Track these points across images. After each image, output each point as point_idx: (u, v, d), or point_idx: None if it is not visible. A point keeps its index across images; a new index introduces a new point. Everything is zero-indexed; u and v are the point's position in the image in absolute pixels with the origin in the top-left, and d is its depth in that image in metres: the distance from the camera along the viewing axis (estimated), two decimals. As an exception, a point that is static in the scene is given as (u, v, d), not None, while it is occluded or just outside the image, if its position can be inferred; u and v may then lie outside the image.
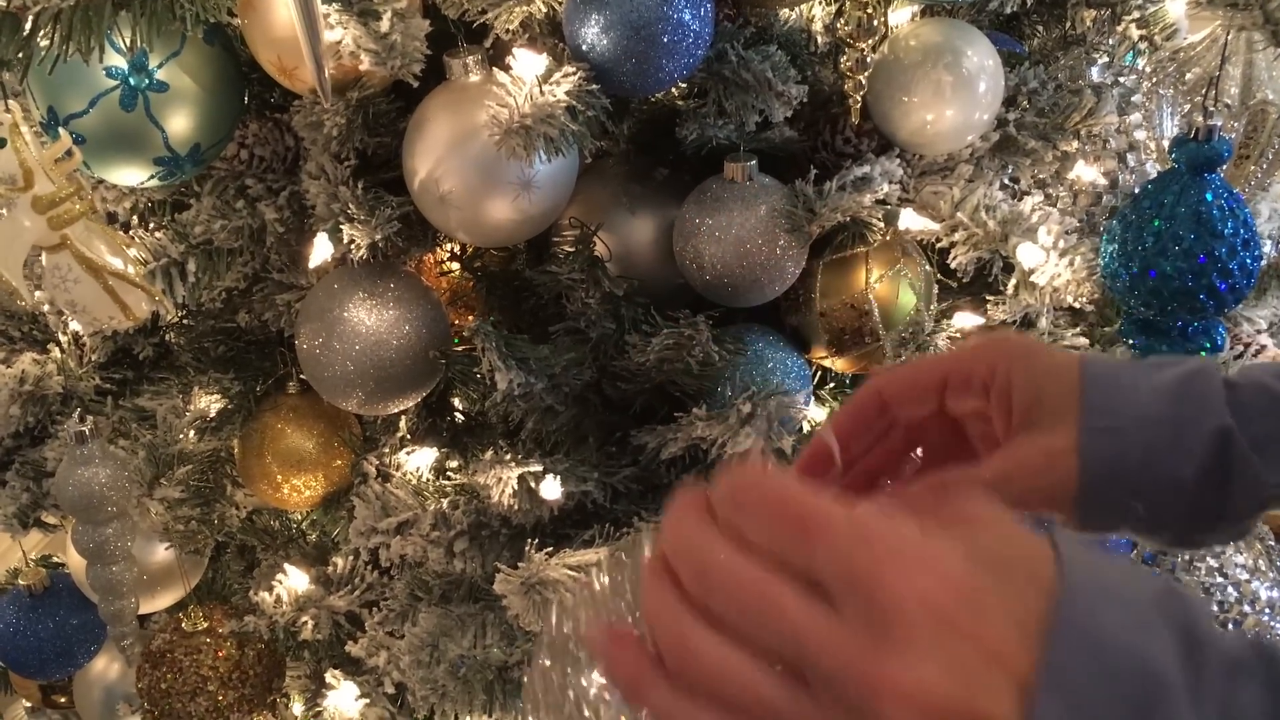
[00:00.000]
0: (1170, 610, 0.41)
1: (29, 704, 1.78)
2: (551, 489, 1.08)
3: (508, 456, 1.10)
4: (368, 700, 1.26)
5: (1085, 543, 0.44)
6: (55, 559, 1.69)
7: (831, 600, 0.40)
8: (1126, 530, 0.63)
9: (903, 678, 0.38)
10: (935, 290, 1.20)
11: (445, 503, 1.15)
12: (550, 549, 1.07)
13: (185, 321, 1.34)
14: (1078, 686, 0.38)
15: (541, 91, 0.96)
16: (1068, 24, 1.31)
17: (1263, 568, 1.44)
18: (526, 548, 1.07)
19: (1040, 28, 1.34)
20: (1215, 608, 1.42)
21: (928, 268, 1.19)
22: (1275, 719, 0.40)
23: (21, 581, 1.52)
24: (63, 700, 1.77)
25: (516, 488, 1.08)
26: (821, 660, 0.40)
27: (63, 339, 1.33)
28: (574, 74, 0.97)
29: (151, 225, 1.24)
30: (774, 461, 0.47)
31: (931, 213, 1.13)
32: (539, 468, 1.08)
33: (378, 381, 1.13)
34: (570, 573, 1.04)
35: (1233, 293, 1.03)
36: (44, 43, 0.87)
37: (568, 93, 0.96)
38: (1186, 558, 1.43)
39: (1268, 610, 1.44)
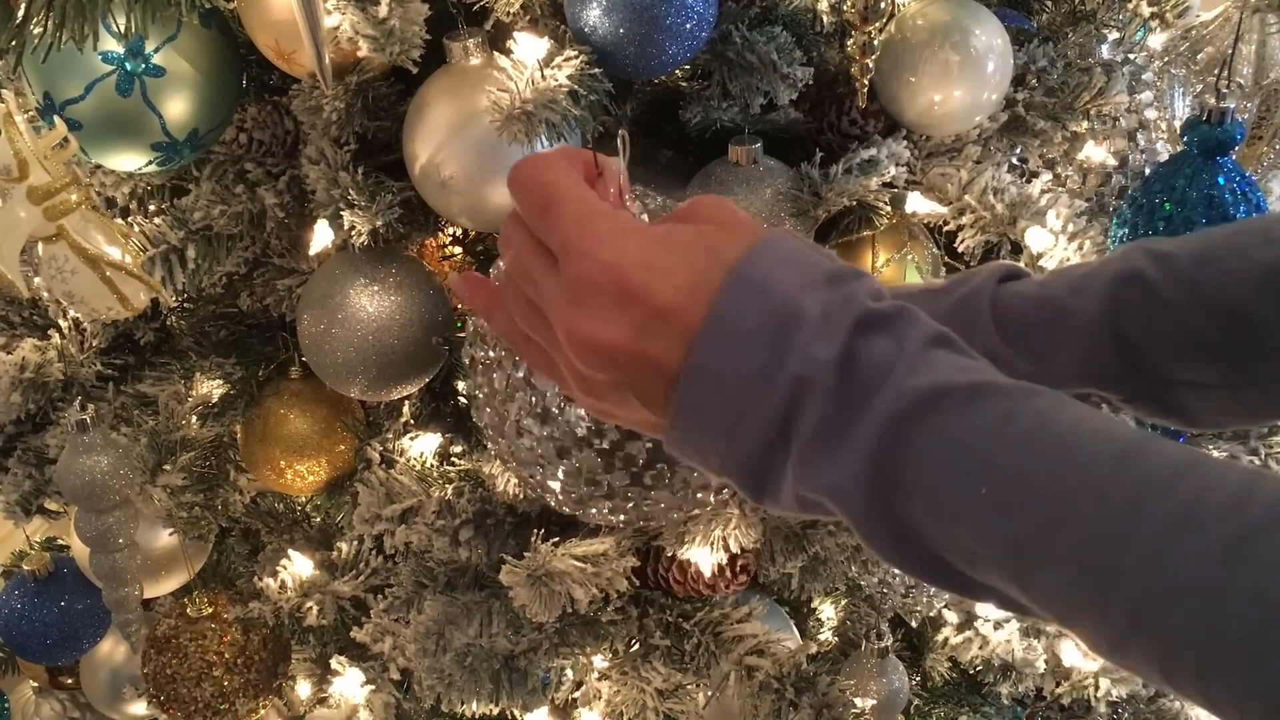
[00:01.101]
0: (838, 275, 0.51)
1: (36, 685, 1.78)
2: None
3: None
4: (373, 686, 1.26)
5: (801, 237, 0.55)
6: (60, 541, 1.69)
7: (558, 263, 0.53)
8: None
9: (582, 328, 0.51)
10: (942, 273, 1.19)
11: (450, 490, 1.15)
12: (556, 538, 1.07)
13: (186, 306, 1.33)
14: (735, 325, 0.49)
15: (543, 76, 0.95)
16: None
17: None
18: (532, 537, 1.06)
19: (1049, 3, 1.32)
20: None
21: (935, 251, 1.17)
22: (886, 360, 0.48)
23: (26, 566, 1.52)
24: (69, 682, 1.77)
25: (521, 477, 1.07)
26: (546, 309, 0.54)
27: (63, 325, 1.33)
28: (576, 57, 0.96)
29: (150, 211, 1.23)
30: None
31: (939, 195, 1.11)
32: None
33: (380, 367, 1.12)
34: (576, 563, 1.04)
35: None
36: (38, 30, 0.85)
37: (570, 77, 0.95)
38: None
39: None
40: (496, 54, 1.01)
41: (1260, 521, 0.41)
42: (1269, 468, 1.28)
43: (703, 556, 1.13)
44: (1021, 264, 1.12)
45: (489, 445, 0.67)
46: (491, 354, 0.70)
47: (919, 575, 0.51)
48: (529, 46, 0.97)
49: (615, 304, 0.51)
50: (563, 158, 0.57)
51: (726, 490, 0.71)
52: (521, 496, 1.09)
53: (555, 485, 0.70)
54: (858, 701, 1.33)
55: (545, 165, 0.55)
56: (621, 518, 0.72)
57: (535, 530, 1.08)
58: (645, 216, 0.65)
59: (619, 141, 0.62)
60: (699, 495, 0.71)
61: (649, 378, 0.52)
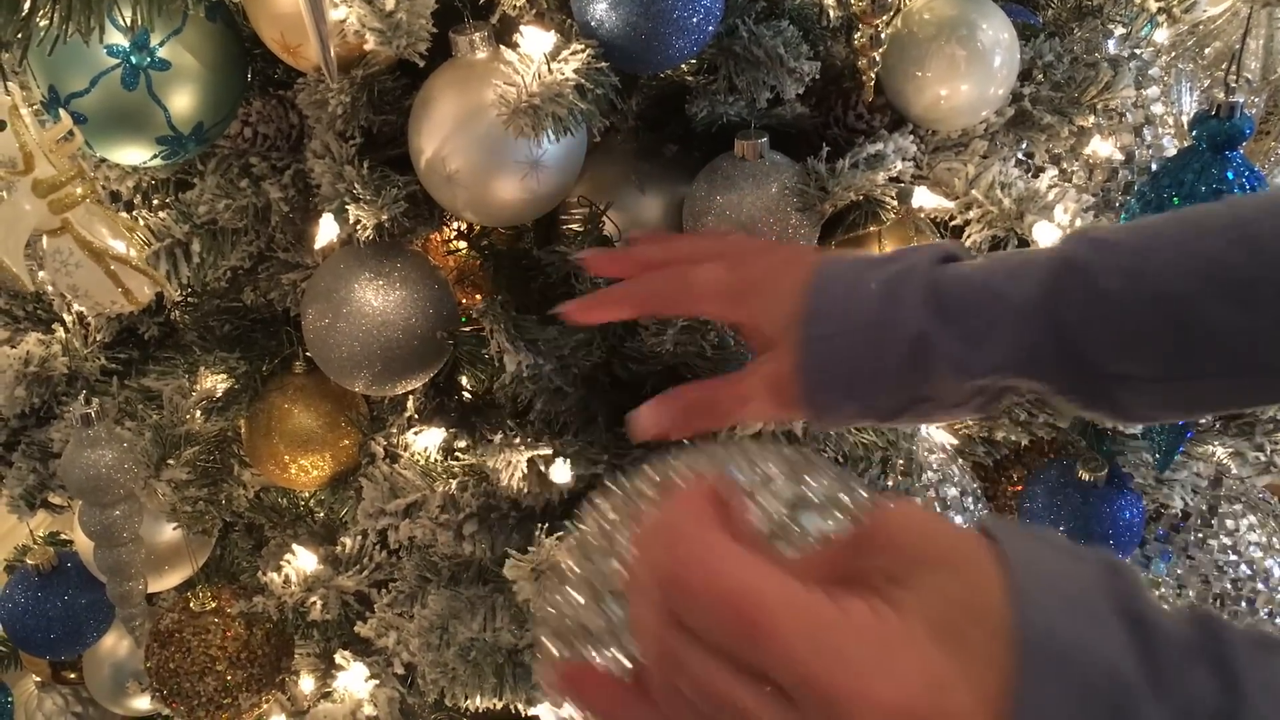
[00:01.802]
0: (1116, 592, 0.42)
1: (38, 680, 1.78)
2: (561, 473, 1.07)
3: (517, 440, 1.09)
4: (377, 681, 1.26)
5: (1020, 531, 0.45)
6: (63, 536, 1.69)
7: (791, 700, 0.40)
8: (849, 416, 0.75)
9: None
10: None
11: (454, 485, 1.15)
12: (560, 533, 1.07)
13: (190, 301, 1.33)
14: (1053, 709, 0.40)
15: (550, 69, 0.94)
16: (1083, -6, 1.29)
17: (1277, 545, 1.43)
18: (536, 532, 1.06)
19: (1055, -2, 1.32)
20: (1228, 585, 1.42)
21: (941, 245, 1.17)
22: (1226, 702, 0.41)
23: (30, 561, 1.52)
24: (72, 676, 1.77)
25: (526, 471, 1.07)
26: None
27: (67, 319, 1.32)
28: (583, 51, 0.95)
29: (155, 205, 1.23)
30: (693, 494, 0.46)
31: (945, 190, 1.11)
32: (549, 451, 1.07)
33: (385, 362, 1.12)
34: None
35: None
36: (43, 23, 0.85)
37: (576, 70, 0.94)
38: (1199, 535, 1.42)
39: (1281, 588, 1.43)
40: (503, 48, 1.01)
41: None
42: (1275, 464, 1.28)
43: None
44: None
45: None
46: None
47: None
48: (535, 40, 0.97)
49: None
50: (702, 516, 0.44)
51: None
52: (526, 491, 1.09)
53: None
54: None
55: (709, 555, 0.42)
56: None
57: (539, 525, 1.08)
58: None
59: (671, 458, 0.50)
60: None
61: None
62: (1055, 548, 0.45)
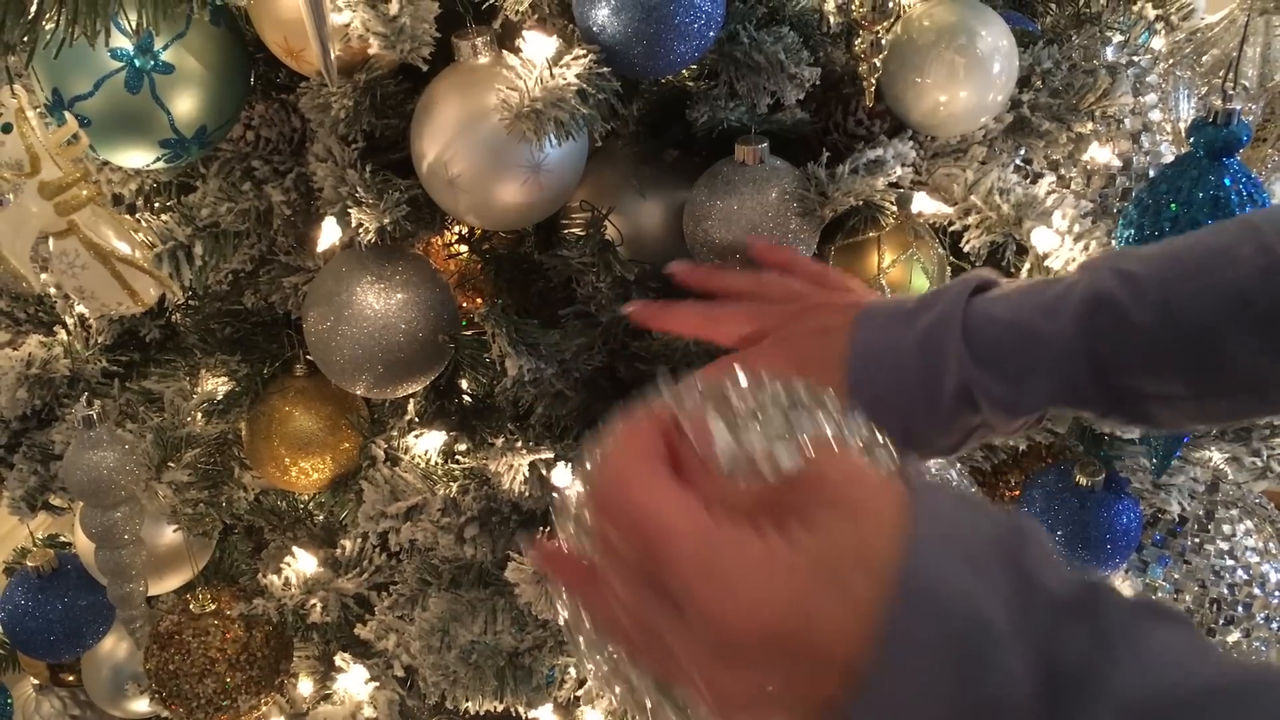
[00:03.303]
0: (1009, 551, 0.45)
1: (37, 682, 1.78)
2: (563, 477, 1.07)
3: (518, 443, 1.10)
4: (377, 683, 1.26)
5: (938, 487, 0.49)
6: (63, 538, 1.69)
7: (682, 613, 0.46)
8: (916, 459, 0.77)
9: (729, 686, 0.46)
10: (948, 274, 1.19)
11: (455, 488, 1.15)
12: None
13: (192, 303, 1.33)
14: (913, 654, 0.43)
15: (552, 74, 0.95)
16: (1081, 1, 1.29)
17: (1273, 550, 1.43)
18: (538, 535, 1.07)
19: (1054, 5, 1.32)
20: (1225, 589, 1.42)
21: (940, 251, 1.18)
22: (1092, 660, 0.43)
23: (29, 562, 1.52)
24: (70, 679, 1.77)
25: (527, 475, 1.07)
26: (675, 649, 0.47)
27: (69, 321, 1.33)
28: (585, 56, 0.96)
29: (157, 207, 1.23)
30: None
31: (944, 195, 1.12)
32: (550, 455, 1.07)
33: (386, 365, 1.12)
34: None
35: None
36: (49, 26, 0.86)
37: (578, 75, 0.95)
38: (1196, 540, 1.43)
39: (1277, 593, 1.44)
40: (505, 52, 1.02)
41: None
42: (1271, 470, 1.28)
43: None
44: (1026, 265, 1.13)
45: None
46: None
47: None
48: (537, 45, 0.98)
49: (767, 659, 0.45)
50: (643, 447, 0.50)
51: None
52: (527, 494, 1.09)
53: None
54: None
55: (632, 483, 0.48)
56: None
57: (541, 528, 1.08)
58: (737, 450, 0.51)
59: (661, 384, 0.54)
60: None
61: (803, 704, 0.46)
62: (967, 506, 0.49)
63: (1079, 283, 0.75)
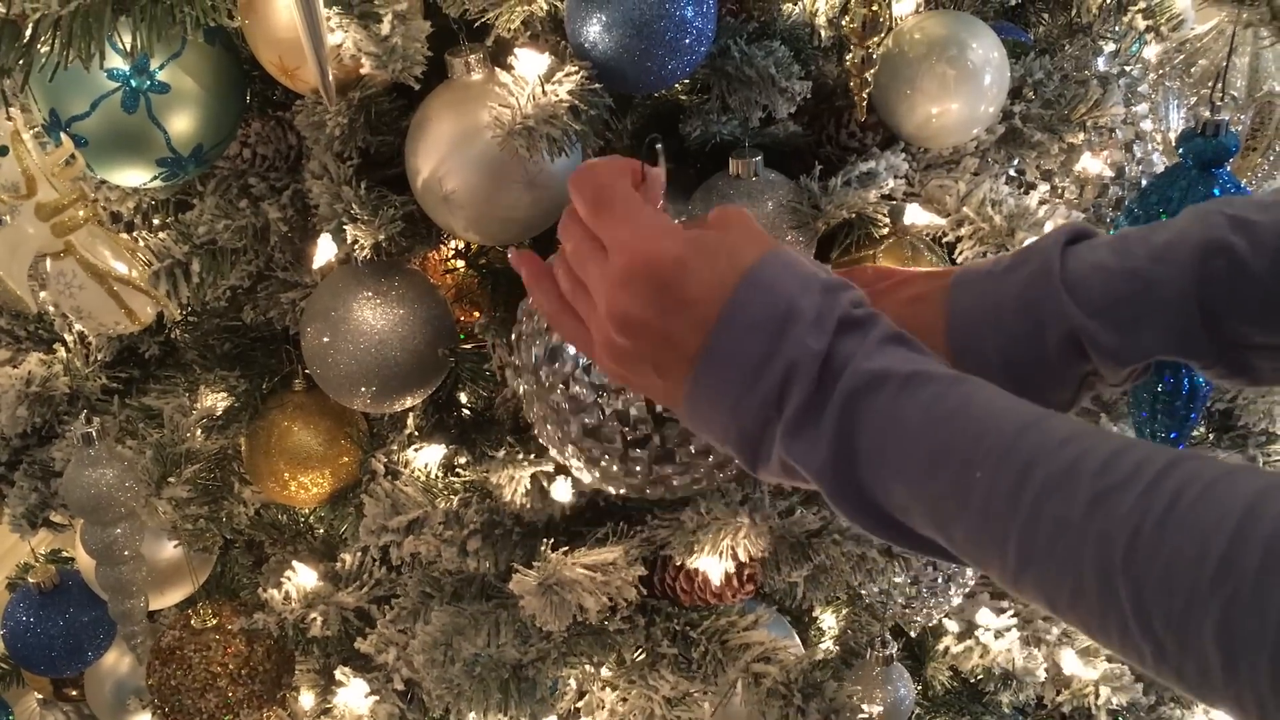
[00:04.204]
0: (828, 286, 0.62)
1: (40, 697, 1.79)
2: (563, 490, 1.08)
3: (520, 456, 1.10)
4: (378, 697, 1.27)
5: (804, 253, 0.70)
6: (65, 554, 1.70)
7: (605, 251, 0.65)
8: None
9: (621, 304, 0.63)
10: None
11: (456, 501, 1.15)
12: (565, 548, 1.07)
13: (190, 320, 1.34)
14: (745, 318, 0.61)
15: (544, 91, 0.96)
16: (1073, 12, 1.30)
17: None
18: (541, 547, 1.07)
19: (1045, 15, 1.33)
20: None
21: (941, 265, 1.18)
22: (856, 355, 0.59)
23: (31, 579, 1.53)
24: (74, 694, 1.78)
25: (529, 487, 1.08)
26: (591, 287, 0.66)
27: (68, 339, 1.33)
28: (576, 73, 0.97)
29: (155, 225, 1.24)
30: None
31: (937, 207, 1.12)
32: (550, 467, 1.08)
33: (384, 379, 1.13)
34: (586, 572, 1.05)
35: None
36: (44, 49, 0.86)
37: (570, 92, 0.96)
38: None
39: None
40: (498, 69, 1.02)
41: (1121, 481, 0.50)
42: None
43: (712, 565, 1.14)
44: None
45: (533, 421, 0.82)
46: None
47: (874, 531, 0.61)
48: (530, 62, 0.98)
49: (650, 289, 0.63)
50: (615, 165, 0.69)
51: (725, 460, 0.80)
52: (529, 506, 1.10)
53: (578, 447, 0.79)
54: (865, 707, 1.34)
55: (601, 170, 0.68)
56: (636, 485, 0.80)
57: (544, 540, 1.09)
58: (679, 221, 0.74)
59: (656, 150, 0.71)
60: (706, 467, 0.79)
61: (669, 354, 0.63)
62: (814, 261, 0.67)
63: (1191, 228, 0.72)
